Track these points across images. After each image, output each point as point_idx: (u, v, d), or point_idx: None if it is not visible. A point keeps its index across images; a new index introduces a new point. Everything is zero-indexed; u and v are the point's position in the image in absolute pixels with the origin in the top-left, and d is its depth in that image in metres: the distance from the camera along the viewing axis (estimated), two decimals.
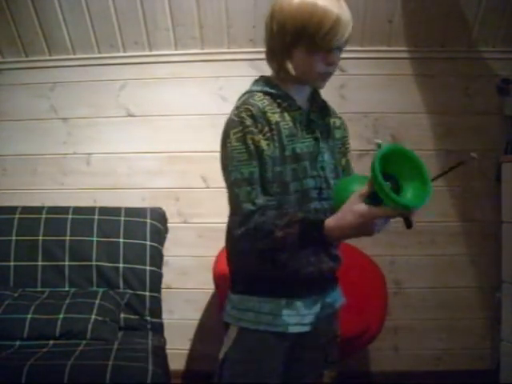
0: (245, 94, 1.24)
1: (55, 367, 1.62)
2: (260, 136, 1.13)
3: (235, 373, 1.22)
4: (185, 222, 2.52)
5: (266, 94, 1.20)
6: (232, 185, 1.14)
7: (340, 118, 1.35)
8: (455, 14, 2.37)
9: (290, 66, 1.17)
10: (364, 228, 1.04)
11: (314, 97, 1.27)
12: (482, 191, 2.49)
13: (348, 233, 1.06)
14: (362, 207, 1.02)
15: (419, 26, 2.41)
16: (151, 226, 2.30)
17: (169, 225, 2.42)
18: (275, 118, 1.17)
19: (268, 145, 1.13)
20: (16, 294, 2.06)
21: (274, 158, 1.15)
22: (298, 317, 1.21)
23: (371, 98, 2.49)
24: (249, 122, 1.12)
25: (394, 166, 1.05)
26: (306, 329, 1.22)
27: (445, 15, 2.37)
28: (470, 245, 2.50)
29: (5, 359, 1.69)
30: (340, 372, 1.34)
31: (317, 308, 1.24)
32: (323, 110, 1.29)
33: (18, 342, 1.86)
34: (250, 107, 1.14)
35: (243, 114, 1.13)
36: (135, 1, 2.36)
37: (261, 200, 1.11)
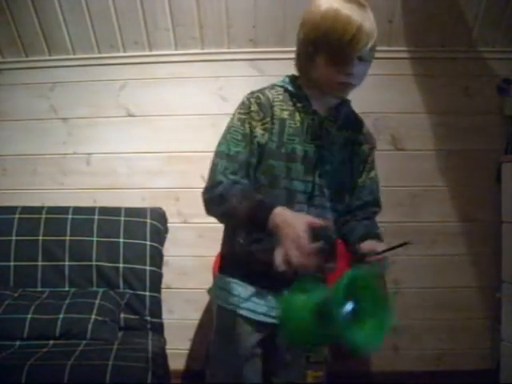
0: (269, 85, 1.28)
1: (55, 367, 1.62)
2: (258, 123, 1.19)
3: (215, 347, 1.31)
4: (185, 222, 2.52)
5: (286, 90, 1.25)
6: (216, 155, 1.21)
7: (365, 133, 1.34)
8: (455, 13, 2.37)
9: (311, 73, 1.20)
10: (293, 241, 1.00)
11: (339, 108, 1.28)
12: (482, 191, 2.49)
13: (283, 228, 1.03)
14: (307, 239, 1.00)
15: (419, 26, 2.41)
16: (151, 226, 2.30)
17: (169, 225, 2.42)
18: (283, 114, 1.21)
19: (263, 134, 1.19)
20: (16, 294, 2.06)
21: (268, 150, 1.20)
22: (265, 307, 1.24)
23: (371, 97, 2.48)
24: (254, 107, 1.20)
25: (361, 291, 1.01)
26: (275, 321, 1.24)
27: (445, 15, 2.37)
28: (470, 245, 2.50)
29: (5, 359, 1.69)
30: (328, 372, 1.34)
31: None
32: (348, 123, 1.29)
33: (18, 342, 1.86)
34: (260, 96, 1.21)
35: (252, 100, 1.21)
36: (135, 1, 2.36)
37: (235, 177, 1.16)
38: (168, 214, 2.42)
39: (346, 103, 1.30)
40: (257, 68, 2.47)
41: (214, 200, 1.17)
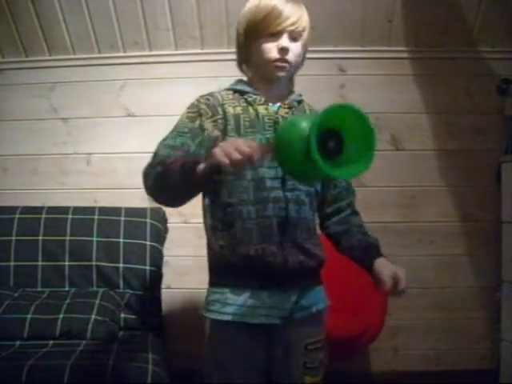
0: (219, 89, 1.34)
1: (55, 367, 1.61)
2: (209, 120, 1.23)
3: (207, 363, 1.32)
4: (185, 222, 2.52)
5: (235, 91, 1.30)
6: (159, 144, 1.24)
7: None
8: (455, 13, 2.37)
9: (251, 62, 1.30)
10: (230, 142, 1.00)
11: (291, 97, 1.33)
12: (482, 191, 2.49)
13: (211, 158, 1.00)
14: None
15: (419, 26, 2.41)
16: (151, 226, 2.30)
17: (169, 225, 2.42)
18: (236, 110, 1.26)
19: (214, 127, 1.22)
20: (16, 294, 2.06)
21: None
22: (263, 309, 1.22)
23: (371, 97, 2.49)
24: (203, 107, 1.25)
25: (349, 129, 1.04)
26: (276, 321, 1.23)
27: (445, 15, 2.37)
28: (470, 245, 2.50)
29: (5, 359, 1.69)
30: (325, 375, 1.33)
31: (289, 303, 1.24)
32: (303, 111, 1.34)
33: (18, 342, 1.85)
34: (209, 97, 1.28)
35: (201, 100, 1.27)
36: (135, 1, 2.36)
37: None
38: (168, 214, 2.42)
39: (297, 94, 1.35)
40: None
41: (152, 166, 1.15)
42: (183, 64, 2.52)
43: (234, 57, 2.48)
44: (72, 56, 2.53)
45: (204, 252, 2.40)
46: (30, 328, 1.89)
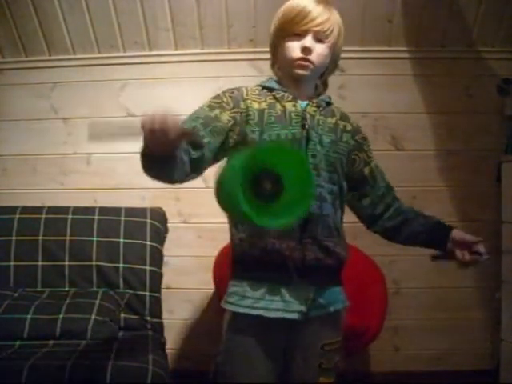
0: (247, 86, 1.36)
1: (55, 367, 1.62)
2: (227, 111, 1.25)
3: (223, 354, 1.28)
4: (185, 222, 2.53)
5: (263, 87, 1.33)
6: None
7: (354, 125, 1.38)
8: (455, 13, 2.37)
9: (280, 61, 1.32)
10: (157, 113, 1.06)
11: (320, 98, 1.35)
12: (482, 191, 2.49)
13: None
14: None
15: (419, 26, 2.42)
16: (151, 226, 2.30)
17: (169, 225, 2.42)
18: (261, 105, 1.28)
19: (229, 120, 1.24)
20: (16, 294, 2.06)
21: (250, 140, 1.24)
22: (281, 303, 1.23)
23: (371, 97, 2.49)
24: (225, 99, 1.28)
25: (282, 167, 0.99)
26: (294, 316, 1.23)
27: (445, 15, 2.37)
28: None
29: (5, 359, 1.69)
30: (338, 377, 1.33)
31: (306, 299, 1.24)
32: (332, 111, 1.35)
33: (18, 342, 1.85)
34: (235, 90, 1.31)
35: (226, 93, 1.30)
36: (135, 1, 2.36)
37: None
38: (168, 214, 2.42)
39: (326, 96, 1.36)
40: (257, 68, 2.47)
41: None
42: (183, 64, 2.52)
43: (233, 57, 2.52)
44: (72, 56, 2.53)
45: (203, 252, 2.43)
46: (30, 328, 1.88)
